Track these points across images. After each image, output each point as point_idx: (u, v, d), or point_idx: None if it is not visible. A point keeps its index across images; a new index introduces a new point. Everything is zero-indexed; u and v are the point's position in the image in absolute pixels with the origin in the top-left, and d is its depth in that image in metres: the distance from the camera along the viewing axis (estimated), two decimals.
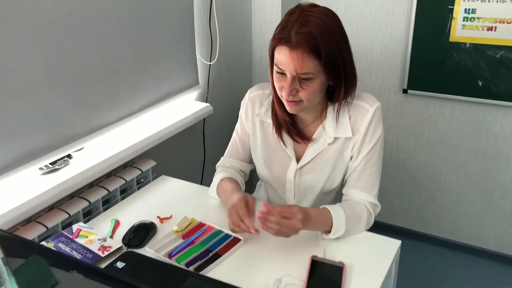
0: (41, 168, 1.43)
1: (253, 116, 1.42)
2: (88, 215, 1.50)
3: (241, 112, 1.46)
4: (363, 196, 1.31)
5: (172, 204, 1.45)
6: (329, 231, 1.23)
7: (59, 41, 1.36)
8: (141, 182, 1.70)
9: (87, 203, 1.48)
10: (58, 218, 1.40)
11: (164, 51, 1.79)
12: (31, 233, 1.33)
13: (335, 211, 1.24)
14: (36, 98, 1.34)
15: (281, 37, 1.15)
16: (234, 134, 1.50)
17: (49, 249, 0.79)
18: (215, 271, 1.16)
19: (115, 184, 1.59)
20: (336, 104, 1.30)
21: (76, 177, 1.46)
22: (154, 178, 1.71)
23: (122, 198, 1.58)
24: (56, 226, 1.39)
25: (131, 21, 1.60)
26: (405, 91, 2.33)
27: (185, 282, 1.08)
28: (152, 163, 1.74)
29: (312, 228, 1.22)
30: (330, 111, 1.32)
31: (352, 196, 1.32)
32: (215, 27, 2.03)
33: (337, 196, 1.41)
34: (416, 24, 2.17)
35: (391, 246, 1.24)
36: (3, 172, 1.29)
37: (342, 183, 1.38)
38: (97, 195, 1.52)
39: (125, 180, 1.62)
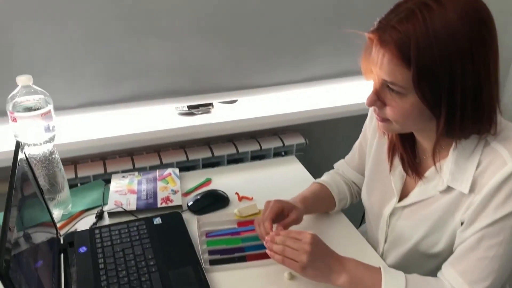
0: (177, 108, 1.51)
1: None
2: (210, 165, 1.52)
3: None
4: (457, 283, 0.87)
5: (268, 187, 1.32)
6: None
7: None
8: (280, 155, 1.60)
9: (210, 155, 1.50)
10: (176, 158, 1.48)
11: (357, 20, 1.54)
12: (147, 162, 1.45)
13: (391, 275, 0.88)
14: (181, 43, 1.38)
15: (378, 26, 0.83)
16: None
17: None
18: (226, 274, 1.01)
19: (248, 147, 1.55)
20: (462, 141, 0.87)
21: (205, 126, 1.49)
22: (297, 155, 1.57)
23: None
24: (171, 164, 1.47)
25: None
26: None
27: (184, 267, 0.99)
28: (300, 140, 1.60)
29: (348, 285, 0.90)
30: (453, 147, 0.90)
31: (444, 275, 0.90)
32: None
33: None
34: None
35: None
36: (136, 100, 1.41)
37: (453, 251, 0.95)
38: (225, 151, 1.52)
39: (260, 147, 1.55)
